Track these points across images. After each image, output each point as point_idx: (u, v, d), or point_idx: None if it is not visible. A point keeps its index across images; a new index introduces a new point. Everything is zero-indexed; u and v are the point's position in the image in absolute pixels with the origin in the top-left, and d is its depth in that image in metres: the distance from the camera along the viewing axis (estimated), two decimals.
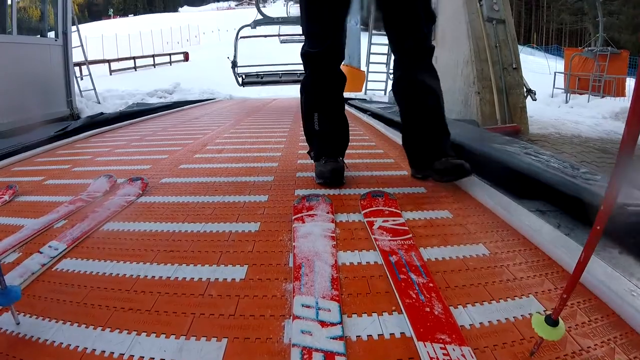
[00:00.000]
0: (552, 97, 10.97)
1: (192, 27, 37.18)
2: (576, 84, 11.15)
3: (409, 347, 0.64)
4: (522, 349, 0.63)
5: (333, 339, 0.65)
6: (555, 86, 11.53)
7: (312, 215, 1.15)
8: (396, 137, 2.48)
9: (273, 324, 0.71)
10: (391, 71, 9.33)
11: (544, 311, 0.73)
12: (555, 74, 11.74)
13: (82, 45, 6.94)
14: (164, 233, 1.11)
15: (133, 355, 0.64)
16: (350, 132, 1.69)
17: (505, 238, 1.04)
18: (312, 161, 1.65)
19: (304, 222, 1.11)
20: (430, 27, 1.54)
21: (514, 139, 2.29)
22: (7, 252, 1.01)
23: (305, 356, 0.61)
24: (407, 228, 1.07)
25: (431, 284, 0.80)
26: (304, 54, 1.59)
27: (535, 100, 6.57)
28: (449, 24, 6.14)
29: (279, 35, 8.84)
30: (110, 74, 18.09)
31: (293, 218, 1.15)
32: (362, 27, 11.69)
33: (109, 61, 19.02)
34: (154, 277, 0.87)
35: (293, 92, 7.43)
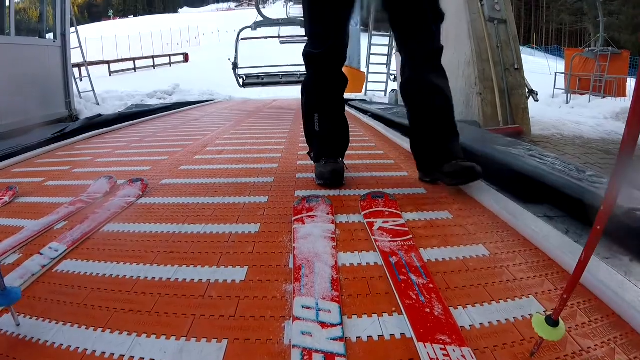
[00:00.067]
0: (552, 97, 10.95)
1: (191, 28, 37.27)
2: (577, 84, 11.14)
3: (409, 348, 0.64)
4: (522, 350, 0.63)
5: (333, 340, 0.65)
6: (556, 86, 11.53)
7: (312, 216, 1.15)
8: (397, 138, 2.49)
9: (273, 325, 0.71)
10: (392, 72, 9.42)
11: (544, 312, 0.73)
12: (556, 75, 11.73)
13: (80, 47, 6.93)
14: (164, 234, 1.11)
15: (133, 357, 0.64)
16: (350, 133, 1.69)
17: (505, 239, 1.04)
18: (312, 162, 1.65)
19: (304, 223, 1.11)
20: (439, 27, 1.48)
21: (517, 141, 2.26)
22: (8, 254, 1.01)
23: (305, 357, 0.61)
24: (407, 229, 1.08)
25: (431, 285, 0.80)
26: (305, 55, 1.58)
27: (538, 101, 6.52)
28: (450, 24, 6.11)
29: (279, 36, 8.87)
30: (110, 75, 18.12)
31: (293, 219, 1.15)
32: (362, 28, 11.71)
33: (108, 62, 19.04)
34: (154, 278, 0.87)
35: (293, 93, 7.45)
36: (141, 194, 1.46)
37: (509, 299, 0.77)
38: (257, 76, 7.68)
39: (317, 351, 0.62)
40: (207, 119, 4.41)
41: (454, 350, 0.62)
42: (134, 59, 21.18)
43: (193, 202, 1.37)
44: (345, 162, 1.65)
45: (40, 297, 0.82)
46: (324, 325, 0.68)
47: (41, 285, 0.87)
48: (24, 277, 0.88)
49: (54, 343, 0.68)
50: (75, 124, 3.52)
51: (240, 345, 0.66)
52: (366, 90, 9.89)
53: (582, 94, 10.65)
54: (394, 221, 1.12)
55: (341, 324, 0.69)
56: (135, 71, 20.43)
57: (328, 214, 1.18)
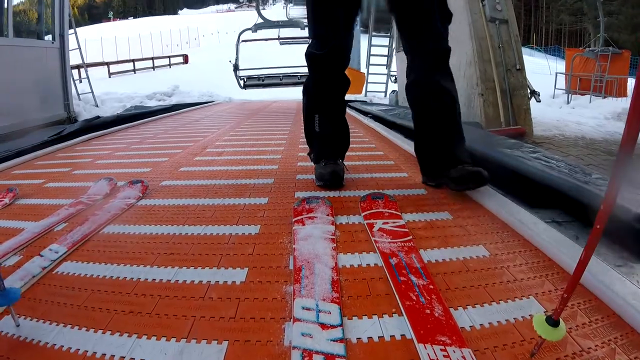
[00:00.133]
0: (553, 97, 10.96)
1: (191, 29, 37.32)
2: (577, 84, 11.14)
3: (409, 349, 0.64)
4: (523, 350, 0.63)
5: (333, 341, 0.65)
6: (557, 87, 11.52)
7: (312, 217, 1.15)
8: (396, 139, 2.49)
9: (273, 326, 0.71)
10: (392, 72, 9.42)
11: (545, 312, 0.73)
12: (556, 75, 11.73)
13: (79, 48, 6.94)
14: (164, 236, 1.11)
15: (134, 358, 0.64)
16: (350, 134, 1.68)
17: (505, 239, 1.04)
18: (312, 163, 1.65)
19: (304, 224, 1.11)
20: (447, 27, 1.44)
21: (520, 142, 2.22)
22: (8, 255, 1.02)
23: (305, 358, 0.61)
24: (407, 230, 1.08)
25: (431, 286, 0.80)
26: (308, 55, 1.56)
27: (540, 102, 6.49)
28: (451, 24, 6.09)
29: (279, 38, 8.91)
30: (110, 77, 18.12)
31: (293, 220, 1.15)
32: (362, 29, 11.71)
33: (107, 64, 19.04)
34: (154, 279, 0.87)
35: (292, 94, 7.46)
36: (141, 195, 1.46)
37: (509, 300, 0.77)
38: (258, 78, 7.73)
39: (317, 352, 0.62)
40: (207, 120, 4.42)
41: (454, 351, 0.62)
42: (133, 61, 21.18)
43: (193, 204, 1.37)
44: (345, 163, 1.65)
45: (41, 298, 0.82)
46: (324, 326, 0.68)
47: (41, 287, 0.87)
48: (25, 279, 0.88)
49: (55, 345, 0.68)
50: (73, 126, 3.51)
51: (240, 347, 0.66)
52: (366, 91, 9.90)
53: (582, 94, 10.65)
54: (394, 222, 1.12)
55: (341, 325, 0.69)
56: (135, 73, 20.42)
57: (328, 215, 1.18)
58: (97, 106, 7.38)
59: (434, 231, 1.10)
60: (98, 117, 4.35)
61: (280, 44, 9.01)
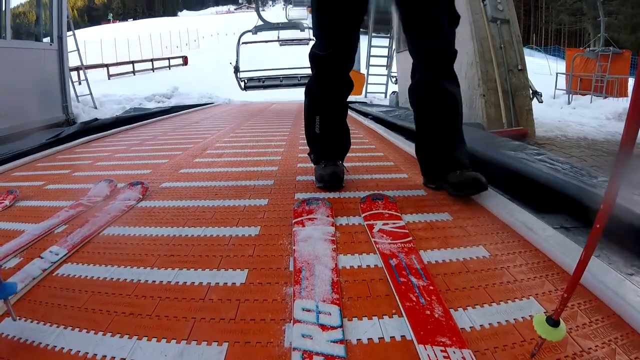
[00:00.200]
0: (554, 98, 10.95)
1: (191, 31, 37.38)
2: (578, 84, 11.14)
3: (409, 350, 0.64)
4: (523, 351, 0.63)
5: (334, 342, 0.65)
6: (557, 87, 11.52)
7: (312, 218, 1.15)
8: (396, 140, 2.49)
9: (273, 328, 0.71)
10: (392, 73, 9.42)
11: (545, 312, 0.73)
12: (557, 75, 11.73)
13: (78, 50, 6.94)
14: (164, 237, 1.11)
15: None
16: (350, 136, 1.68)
17: (505, 240, 1.04)
18: (312, 165, 1.65)
19: (304, 225, 1.11)
20: (454, 30, 1.41)
21: (524, 144, 2.17)
22: (8, 257, 1.02)
23: None
24: (407, 231, 1.08)
25: (431, 287, 0.80)
26: (312, 56, 1.55)
27: (542, 102, 6.45)
28: None
29: (279, 39, 8.94)
30: (109, 79, 18.14)
31: (293, 222, 1.15)
32: (361, 29, 11.71)
33: (107, 66, 19.04)
34: (154, 281, 0.87)
35: (292, 95, 7.48)
36: (141, 197, 1.47)
37: (509, 300, 0.77)
38: (258, 79, 7.74)
39: (317, 354, 0.62)
40: (207, 122, 4.42)
41: (455, 352, 0.62)
42: (132, 62, 21.20)
43: (193, 205, 1.37)
44: (345, 164, 1.65)
45: (41, 300, 0.82)
46: (324, 327, 0.68)
47: (42, 289, 0.87)
48: (25, 281, 0.88)
49: (55, 346, 0.68)
50: (70, 128, 3.51)
51: (240, 348, 0.66)
52: (366, 92, 9.91)
53: (583, 95, 10.65)
54: (393, 223, 1.12)
55: (341, 326, 0.69)
56: (135, 74, 20.44)
57: (328, 216, 1.18)
58: (95, 108, 7.36)
59: (434, 232, 1.10)
60: (96, 119, 4.35)
61: (280, 45, 9.03)
